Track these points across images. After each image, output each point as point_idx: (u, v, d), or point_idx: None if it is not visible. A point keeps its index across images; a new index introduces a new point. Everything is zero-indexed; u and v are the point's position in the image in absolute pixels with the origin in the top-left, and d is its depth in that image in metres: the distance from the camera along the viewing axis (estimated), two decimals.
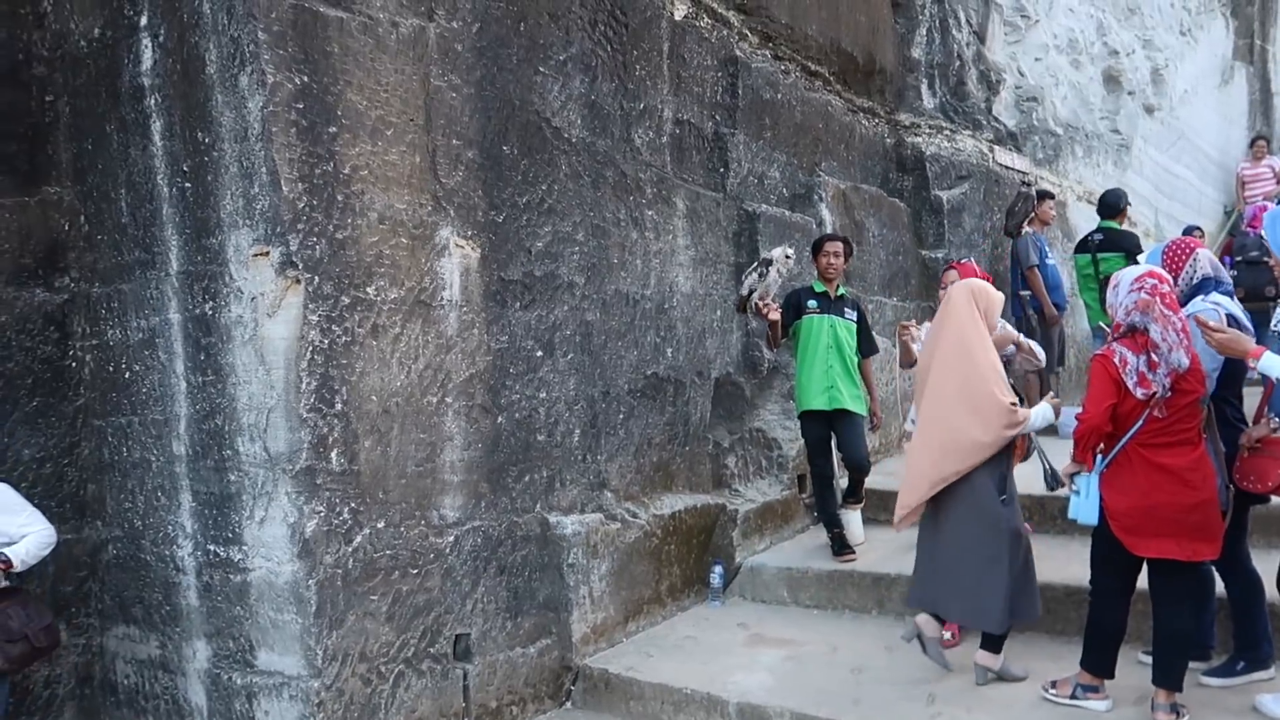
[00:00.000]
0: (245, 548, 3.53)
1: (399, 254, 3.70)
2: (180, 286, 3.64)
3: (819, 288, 5.22)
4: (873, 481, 5.42)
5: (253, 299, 3.42)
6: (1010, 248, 7.64)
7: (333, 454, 3.45)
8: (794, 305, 5.21)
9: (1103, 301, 4.31)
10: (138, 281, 3.78)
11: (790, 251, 5.05)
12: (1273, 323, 3.73)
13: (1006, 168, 8.46)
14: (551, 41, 4.43)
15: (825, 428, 5.16)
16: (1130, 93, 10.58)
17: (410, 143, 3.75)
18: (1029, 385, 5.10)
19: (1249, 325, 3.55)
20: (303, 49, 3.38)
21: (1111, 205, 7.19)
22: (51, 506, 3.86)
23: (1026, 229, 7.50)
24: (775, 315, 5.03)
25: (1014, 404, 3.69)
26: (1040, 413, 3.82)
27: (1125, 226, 7.33)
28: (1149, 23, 10.96)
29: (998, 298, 3.93)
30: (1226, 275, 3.69)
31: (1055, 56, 9.57)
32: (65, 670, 3.99)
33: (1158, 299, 3.27)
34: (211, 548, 3.64)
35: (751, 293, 5.00)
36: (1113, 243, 7.00)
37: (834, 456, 5.28)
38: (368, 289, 3.58)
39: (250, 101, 3.31)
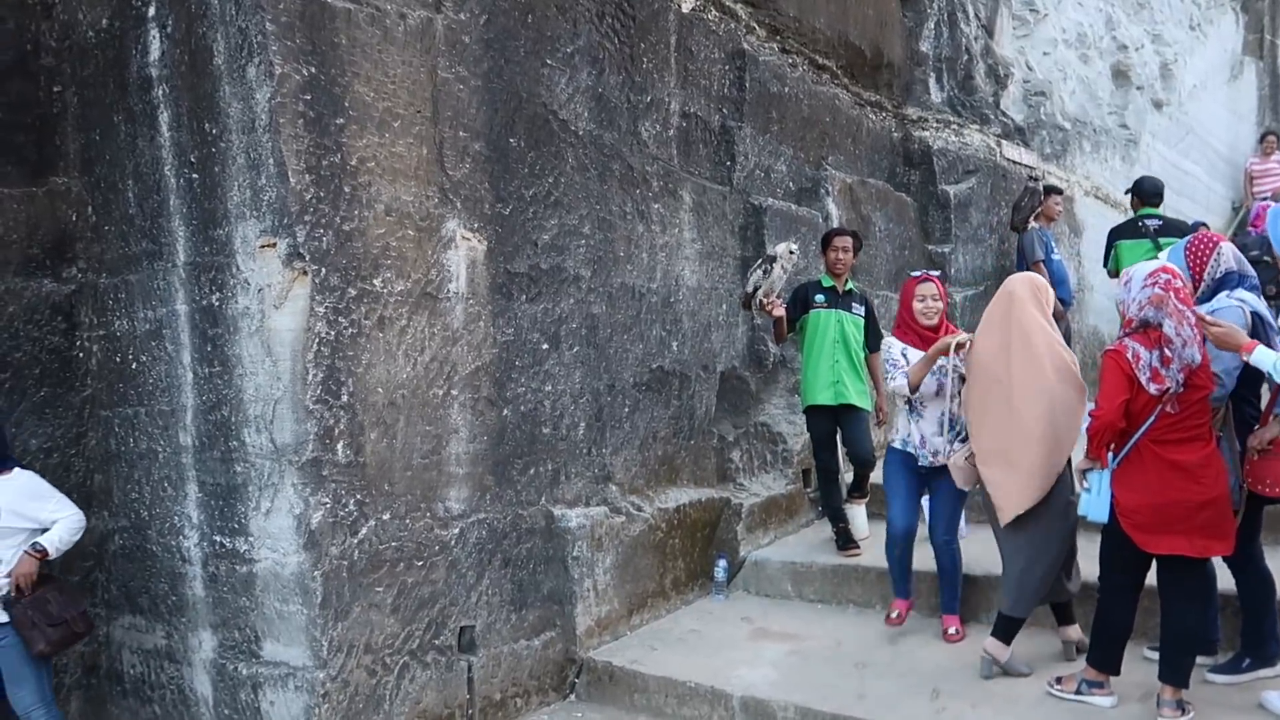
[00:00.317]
0: (251, 539, 3.54)
1: (405, 246, 3.70)
2: (187, 277, 3.64)
3: (827, 282, 5.21)
4: (877, 476, 5.40)
5: (259, 290, 3.42)
6: (1016, 242, 7.62)
7: (339, 446, 3.46)
8: (801, 299, 5.20)
9: None
10: (145, 272, 3.79)
11: (795, 248, 5.04)
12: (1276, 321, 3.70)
13: (1014, 162, 8.43)
14: (559, 34, 4.41)
15: (831, 422, 5.15)
16: (1139, 88, 10.52)
17: (417, 134, 3.74)
18: None
19: (1274, 321, 3.50)
20: (310, 40, 3.38)
21: (1157, 192, 7.05)
22: None
23: (1033, 224, 7.48)
24: (780, 312, 5.02)
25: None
26: None
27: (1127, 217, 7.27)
28: (1158, 17, 10.89)
29: (1051, 294, 3.97)
30: (1251, 270, 3.60)
31: (1064, 51, 9.52)
32: (72, 659, 4.01)
33: (1171, 294, 3.25)
34: (217, 538, 3.65)
35: (756, 289, 4.99)
36: (1171, 228, 6.89)
37: (839, 451, 5.27)
38: (374, 281, 3.58)
39: (258, 93, 3.31)
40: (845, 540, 5.08)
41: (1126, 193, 7.46)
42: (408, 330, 3.71)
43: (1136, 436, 3.30)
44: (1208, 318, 3.25)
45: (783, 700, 3.76)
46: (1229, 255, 3.57)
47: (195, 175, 3.55)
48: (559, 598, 4.32)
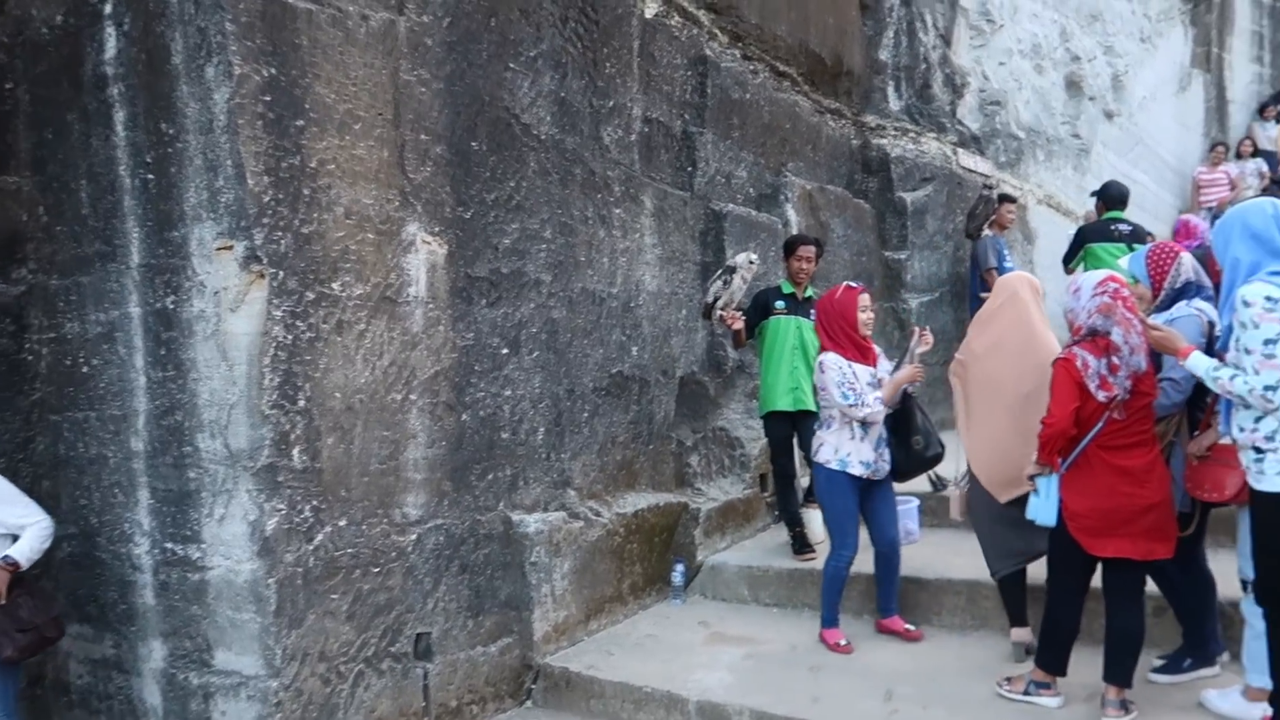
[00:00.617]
0: (204, 546, 3.49)
1: (365, 249, 3.67)
2: (141, 280, 3.58)
3: (787, 289, 5.26)
4: None
5: (215, 293, 3.38)
6: (970, 250, 7.74)
7: (295, 451, 3.42)
8: (761, 305, 5.23)
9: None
10: (97, 274, 3.72)
11: (754, 258, 5.07)
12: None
13: (969, 170, 8.56)
14: (522, 38, 4.41)
15: (789, 427, 5.20)
16: (1091, 98, 10.75)
17: (378, 137, 3.72)
18: None
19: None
20: (271, 41, 3.34)
21: (1123, 198, 7.13)
22: None
23: (986, 232, 7.61)
24: (739, 325, 5.05)
25: None
26: None
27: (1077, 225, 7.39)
28: (1110, 29, 11.12)
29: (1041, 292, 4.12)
30: (1208, 281, 3.67)
31: (1019, 61, 9.70)
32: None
33: (1119, 303, 3.34)
34: (169, 545, 3.59)
35: (716, 299, 5.02)
36: (1139, 235, 6.99)
37: (796, 456, 5.32)
38: (333, 284, 3.55)
39: (216, 93, 3.27)
40: (801, 544, 5.14)
41: (1092, 195, 7.60)
42: (366, 334, 3.68)
43: (1085, 442, 3.38)
44: (1149, 321, 3.34)
45: (738, 704, 3.80)
46: (1189, 266, 3.63)
47: (151, 176, 3.49)
48: (516, 604, 4.32)
